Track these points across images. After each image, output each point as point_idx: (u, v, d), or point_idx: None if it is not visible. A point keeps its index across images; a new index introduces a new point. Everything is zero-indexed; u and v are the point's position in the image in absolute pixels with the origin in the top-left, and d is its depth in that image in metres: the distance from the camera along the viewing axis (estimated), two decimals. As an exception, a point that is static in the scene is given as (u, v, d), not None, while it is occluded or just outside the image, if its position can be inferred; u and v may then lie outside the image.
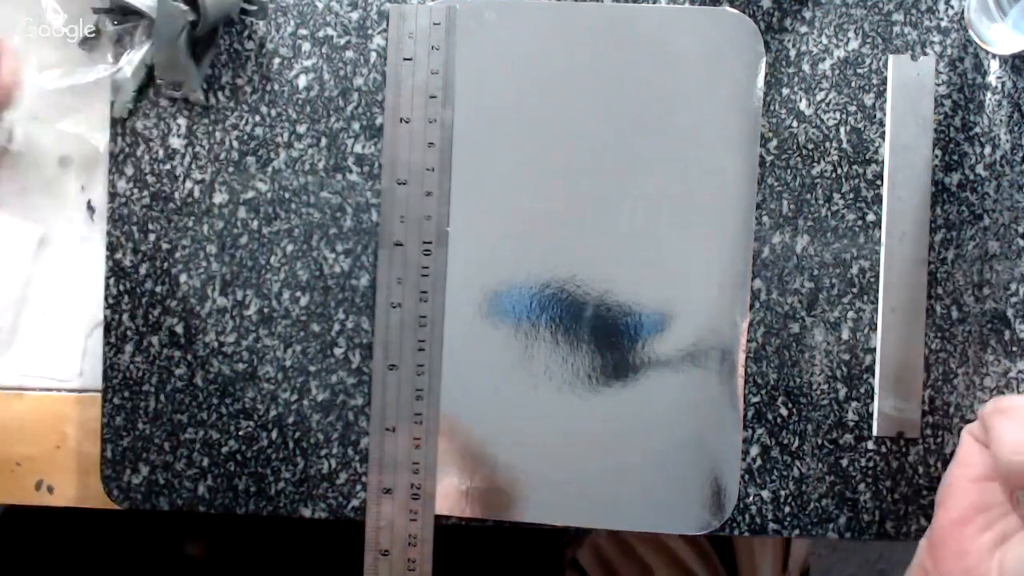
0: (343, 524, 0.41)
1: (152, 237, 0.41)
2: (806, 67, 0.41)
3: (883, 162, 0.40)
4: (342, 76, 0.41)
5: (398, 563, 0.40)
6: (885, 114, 0.40)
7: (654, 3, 0.41)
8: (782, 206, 0.41)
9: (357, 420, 0.41)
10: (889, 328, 0.40)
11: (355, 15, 0.41)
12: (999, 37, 0.39)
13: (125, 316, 0.41)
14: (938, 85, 0.40)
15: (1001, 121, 0.40)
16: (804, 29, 0.41)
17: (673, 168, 0.40)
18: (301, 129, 0.41)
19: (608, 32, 0.41)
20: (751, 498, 0.40)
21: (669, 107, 0.40)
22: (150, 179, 0.41)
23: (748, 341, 0.40)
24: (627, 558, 0.59)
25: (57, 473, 0.42)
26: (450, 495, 0.40)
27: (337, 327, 0.41)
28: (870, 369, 0.40)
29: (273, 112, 0.41)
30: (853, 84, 0.41)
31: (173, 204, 0.41)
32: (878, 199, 0.40)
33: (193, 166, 0.41)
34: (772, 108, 0.41)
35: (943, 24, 0.40)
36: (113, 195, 0.41)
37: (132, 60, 0.40)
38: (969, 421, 0.40)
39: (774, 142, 0.41)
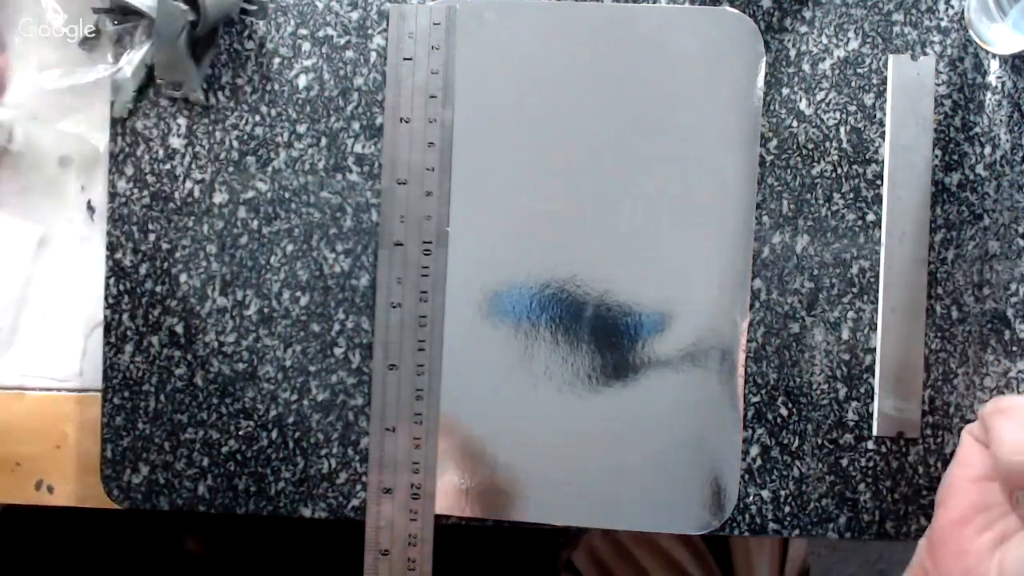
0: (343, 524, 0.41)
1: (152, 237, 0.41)
2: (806, 67, 0.41)
3: (883, 162, 0.40)
4: (342, 76, 0.41)
5: (398, 563, 0.40)
6: (885, 114, 0.40)
7: (654, 3, 0.41)
8: (782, 206, 0.41)
9: (357, 420, 0.41)
10: (889, 328, 0.40)
11: (355, 15, 0.41)
12: (999, 37, 0.39)
13: (125, 316, 0.41)
14: (938, 85, 0.40)
15: (1001, 121, 0.40)
16: (804, 29, 0.41)
17: (673, 168, 0.40)
18: (301, 129, 0.41)
19: (608, 32, 0.41)
20: (751, 498, 0.40)
21: (669, 107, 0.40)
22: (150, 179, 0.41)
23: (748, 341, 0.40)
24: (622, 560, 0.59)
25: (57, 473, 0.42)
26: (450, 495, 0.40)
27: (337, 327, 0.41)
28: (870, 369, 0.40)
29: (273, 112, 0.41)
30: (853, 84, 0.41)
31: (173, 204, 0.41)
32: (878, 199, 0.40)
33: (193, 166, 0.41)
34: (772, 108, 0.41)
35: (943, 24, 0.40)
36: (113, 195, 0.41)
37: (132, 60, 0.40)
38: (969, 421, 0.40)
39: (774, 142, 0.41)
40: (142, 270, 0.41)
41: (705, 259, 0.40)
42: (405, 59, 0.41)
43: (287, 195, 0.41)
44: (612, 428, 0.40)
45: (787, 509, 0.40)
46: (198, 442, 0.41)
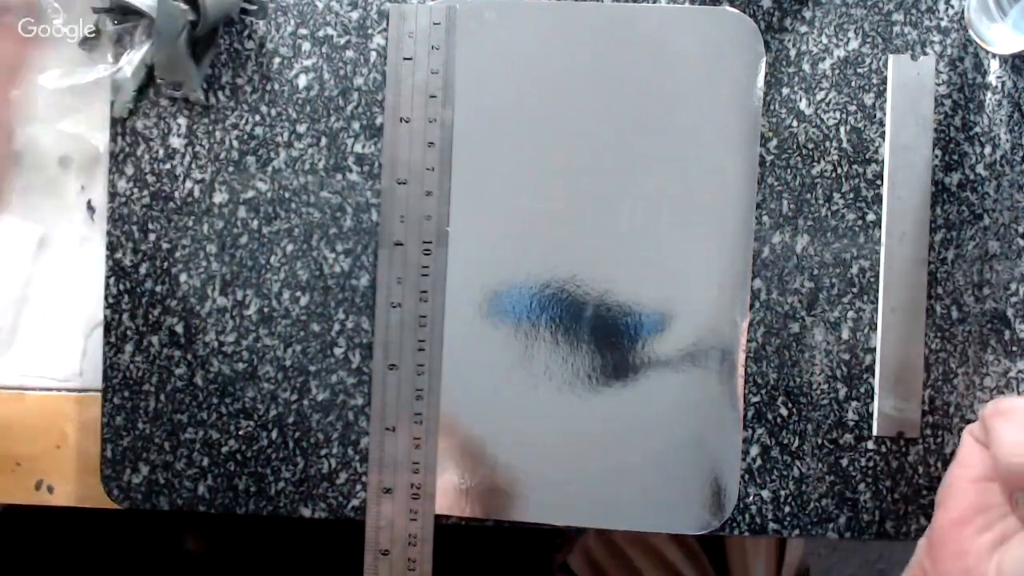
0: (343, 524, 0.41)
1: (152, 237, 0.41)
2: (806, 67, 0.41)
3: (883, 162, 0.40)
4: (342, 76, 0.41)
5: (398, 563, 0.40)
6: (885, 114, 0.40)
7: (654, 3, 0.41)
8: (782, 206, 0.41)
9: (357, 420, 0.41)
10: (889, 328, 0.40)
11: (355, 15, 0.41)
12: (999, 37, 0.39)
13: (125, 316, 0.41)
14: (938, 85, 0.40)
15: (1001, 121, 0.40)
16: (804, 29, 0.41)
17: (673, 168, 0.40)
18: (301, 129, 0.41)
19: (608, 32, 0.41)
20: (751, 498, 0.40)
21: (669, 107, 0.40)
22: (150, 179, 0.41)
23: (748, 341, 0.40)
24: (617, 561, 0.59)
25: (57, 473, 0.42)
26: (450, 495, 0.40)
27: (337, 327, 0.41)
28: (870, 369, 0.40)
29: (273, 112, 0.41)
30: (853, 84, 0.41)
31: (173, 204, 0.41)
32: (878, 199, 0.40)
33: (193, 166, 0.41)
34: (772, 108, 0.41)
35: (943, 24, 0.40)
36: (113, 195, 0.41)
37: (132, 60, 0.40)
38: (969, 421, 0.40)
39: (774, 142, 0.41)
40: (142, 270, 0.41)
41: (705, 259, 0.40)
42: (405, 59, 0.41)
43: (287, 195, 0.41)
44: (612, 428, 0.40)
45: (787, 509, 0.40)
46: (198, 442, 0.41)
